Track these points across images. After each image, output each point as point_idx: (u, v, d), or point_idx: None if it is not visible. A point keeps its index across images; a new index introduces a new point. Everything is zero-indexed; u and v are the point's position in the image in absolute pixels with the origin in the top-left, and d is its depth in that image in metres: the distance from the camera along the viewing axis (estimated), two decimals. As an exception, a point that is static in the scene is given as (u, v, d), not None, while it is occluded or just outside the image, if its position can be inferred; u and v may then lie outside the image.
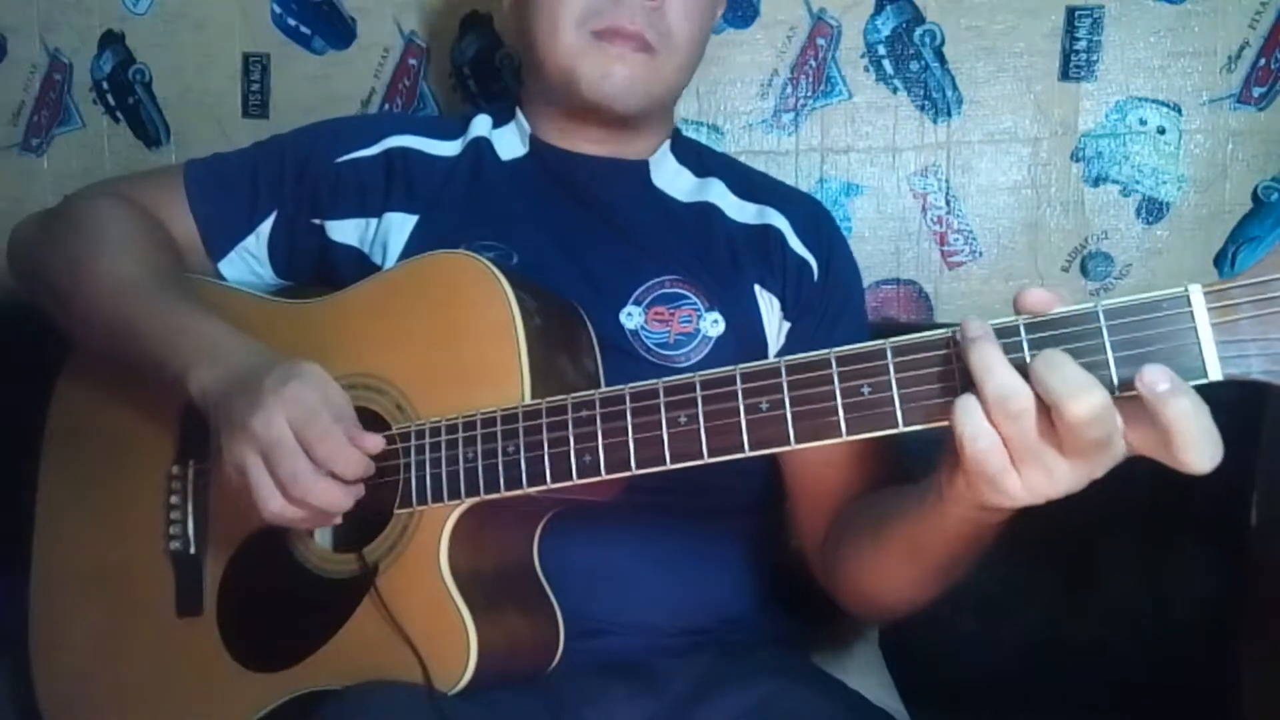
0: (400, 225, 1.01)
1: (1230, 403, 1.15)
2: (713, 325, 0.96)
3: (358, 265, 1.02)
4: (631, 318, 0.96)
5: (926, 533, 0.77)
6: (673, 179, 1.06)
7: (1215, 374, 0.59)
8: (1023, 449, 0.61)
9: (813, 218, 1.06)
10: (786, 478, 1.02)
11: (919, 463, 0.80)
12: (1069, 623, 1.20)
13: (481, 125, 1.07)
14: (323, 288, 1.02)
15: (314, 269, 1.07)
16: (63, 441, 1.07)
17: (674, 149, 1.08)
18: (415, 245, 0.99)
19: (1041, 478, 0.62)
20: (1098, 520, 1.19)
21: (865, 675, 1.04)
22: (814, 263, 1.03)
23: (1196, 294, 0.59)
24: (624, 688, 0.88)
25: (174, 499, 0.96)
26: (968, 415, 0.61)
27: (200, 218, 1.04)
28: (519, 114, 1.07)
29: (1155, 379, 0.57)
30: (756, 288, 1.00)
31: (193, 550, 0.95)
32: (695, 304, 0.97)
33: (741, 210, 1.05)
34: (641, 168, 1.05)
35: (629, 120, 1.01)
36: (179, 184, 1.05)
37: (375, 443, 0.82)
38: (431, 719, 0.76)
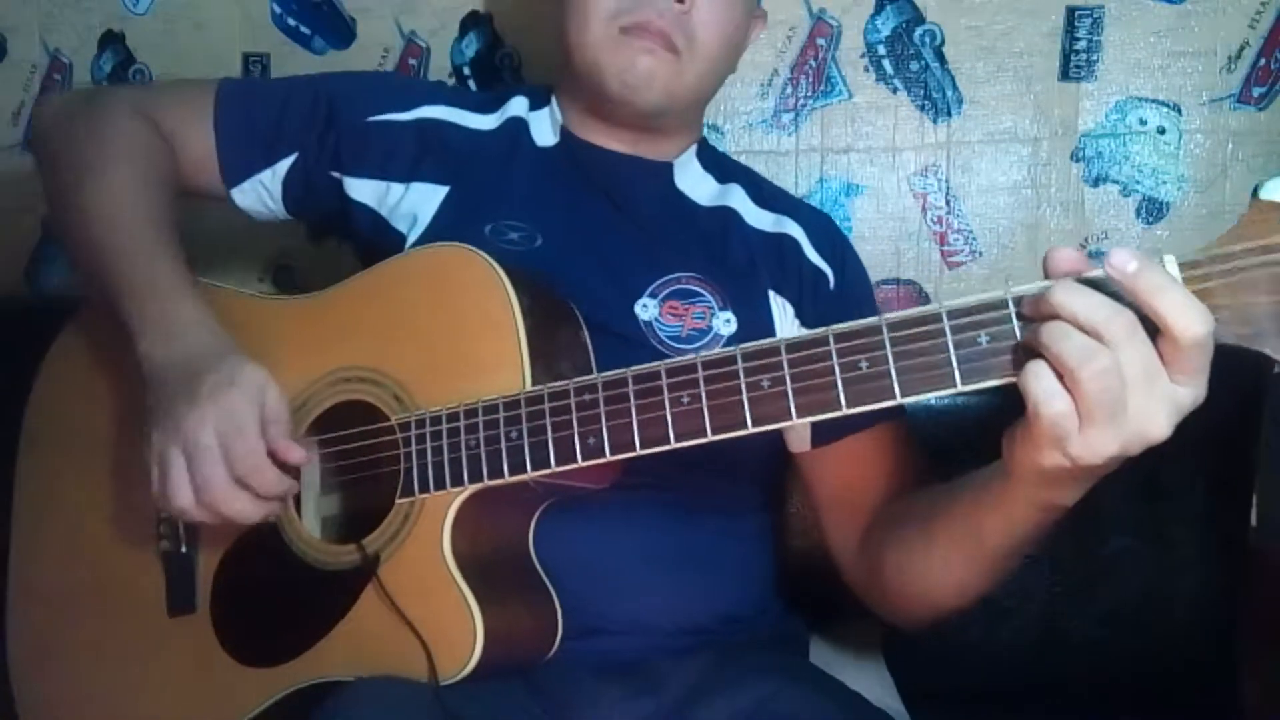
0: (430, 196, 1.01)
1: (1230, 403, 1.16)
2: (725, 324, 0.97)
3: (373, 225, 1.02)
4: (646, 309, 0.96)
5: (988, 516, 0.77)
6: (696, 183, 1.07)
7: None
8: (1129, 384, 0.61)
9: (827, 231, 1.08)
10: (812, 488, 1.02)
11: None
12: (1069, 623, 1.20)
13: (519, 105, 1.08)
14: (333, 235, 1.05)
15: (326, 216, 1.08)
16: (43, 438, 1.06)
17: (699, 154, 1.10)
18: (445, 216, 1.00)
19: (1120, 426, 0.62)
20: (1097, 520, 1.19)
21: (865, 676, 1.04)
22: (830, 272, 1.04)
23: (1171, 265, 0.62)
24: (621, 688, 0.88)
25: None
26: (1040, 380, 0.62)
27: (222, 144, 1.04)
28: (553, 102, 1.08)
29: (1123, 260, 0.60)
30: (771, 293, 1.01)
31: (184, 549, 0.95)
32: (710, 302, 0.98)
33: (760, 218, 1.06)
34: (665, 169, 1.07)
35: (650, 118, 1.02)
36: (209, 103, 1.05)
37: (298, 455, 0.84)
38: (430, 712, 0.76)
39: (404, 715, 0.76)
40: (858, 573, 0.98)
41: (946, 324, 0.66)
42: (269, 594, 0.90)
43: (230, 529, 0.92)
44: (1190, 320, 0.59)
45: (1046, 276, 0.64)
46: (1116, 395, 0.61)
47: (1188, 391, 0.62)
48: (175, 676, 0.93)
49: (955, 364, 0.66)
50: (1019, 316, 0.64)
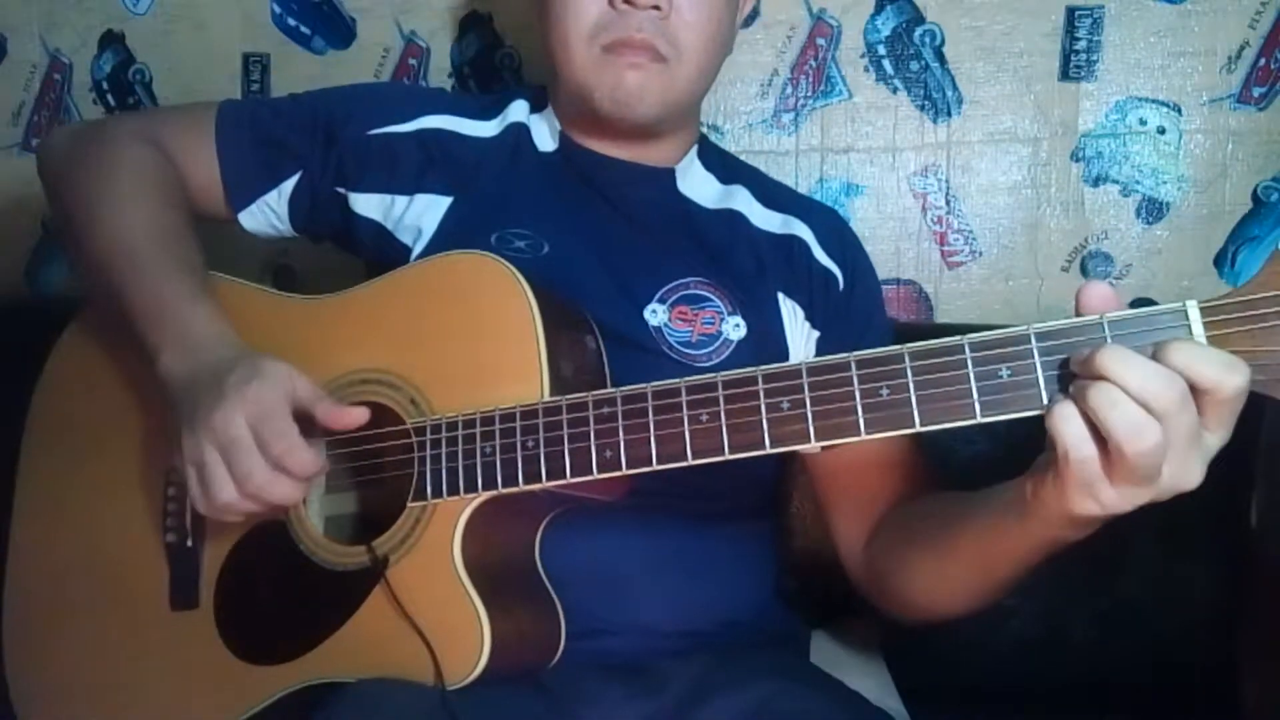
0: (434, 207, 1.01)
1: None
2: (735, 329, 0.97)
3: (377, 239, 1.02)
4: (656, 315, 0.96)
5: (1000, 547, 0.78)
6: (699, 186, 1.07)
7: None
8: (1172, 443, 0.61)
9: (835, 230, 1.08)
10: (820, 484, 1.03)
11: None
12: (1069, 623, 1.20)
13: (519, 110, 1.07)
14: (341, 251, 1.06)
15: (333, 232, 1.08)
16: (47, 434, 1.06)
17: (700, 155, 1.09)
18: (450, 226, 1.00)
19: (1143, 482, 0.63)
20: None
21: (865, 676, 1.04)
22: (839, 273, 1.04)
23: (1193, 309, 0.63)
24: (622, 688, 0.88)
25: (171, 491, 0.96)
26: (1068, 423, 0.62)
27: (225, 168, 1.04)
28: (550, 108, 1.07)
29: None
30: (780, 295, 1.01)
31: (189, 543, 0.94)
32: (718, 306, 0.97)
33: (766, 219, 1.06)
34: (667, 175, 1.06)
35: (648, 128, 1.01)
36: (210, 126, 1.04)
37: (356, 417, 0.84)
38: (433, 715, 0.76)
39: (406, 717, 0.76)
40: (863, 572, 0.98)
41: (969, 355, 0.67)
42: (274, 591, 0.90)
43: (238, 524, 0.92)
44: (1230, 375, 0.60)
45: (1078, 313, 0.65)
46: (1158, 463, 0.61)
47: (1220, 437, 0.63)
48: (175, 670, 0.93)
49: (976, 395, 0.66)
50: (1042, 353, 0.65)
